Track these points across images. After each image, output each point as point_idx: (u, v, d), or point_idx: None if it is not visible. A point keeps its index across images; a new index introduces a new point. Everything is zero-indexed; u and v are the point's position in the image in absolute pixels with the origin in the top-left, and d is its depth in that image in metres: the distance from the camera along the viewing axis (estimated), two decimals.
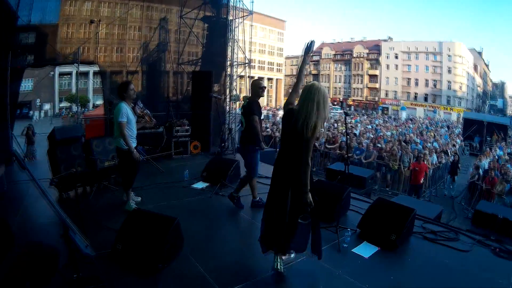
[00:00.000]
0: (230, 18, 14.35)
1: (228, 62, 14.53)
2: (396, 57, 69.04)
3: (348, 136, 20.09)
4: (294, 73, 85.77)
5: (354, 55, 75.55)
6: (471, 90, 69.00)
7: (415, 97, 67.79)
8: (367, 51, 73.69)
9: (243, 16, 15.19)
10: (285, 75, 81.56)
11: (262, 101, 72.32)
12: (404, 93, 68.90)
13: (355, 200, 7.15)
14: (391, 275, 4.50)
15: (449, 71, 63.67)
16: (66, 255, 3.60)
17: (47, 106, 48.47)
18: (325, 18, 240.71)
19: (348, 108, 69.40)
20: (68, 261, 3.56)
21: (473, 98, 70.87)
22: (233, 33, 14.44)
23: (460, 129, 33.38)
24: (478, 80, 74.85)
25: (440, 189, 15.57)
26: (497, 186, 11.38)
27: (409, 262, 4.94)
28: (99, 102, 45.88)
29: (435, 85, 65.52)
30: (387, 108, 69.54)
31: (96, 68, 14.23)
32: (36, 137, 14.02)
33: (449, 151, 18.75)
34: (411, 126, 35.98)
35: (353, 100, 75.27)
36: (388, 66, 70.41)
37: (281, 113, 50.22)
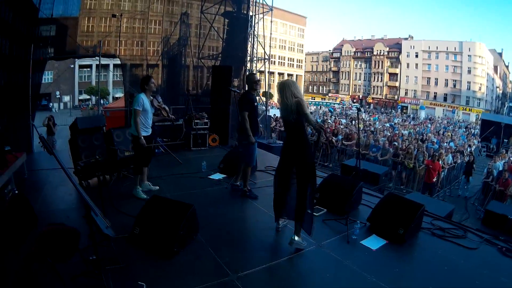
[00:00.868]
0: (251, 14, 14.49)
1: (248, 57, 14.69)
2: (417, 56, 68.18)
3: (362, 131, 20.22)
4: (314, 69, 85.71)
5: (374, 53, 74.84)
6: (491, 91, 67.84)
7: (435, 97, 66.96)
8: (387, 49, 72.92)
9: (263, 12, 15.32)
10: (305, 71, 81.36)
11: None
12: (424, 93, 68.09)
13: (368, 196, 7.31)
14: (397, 267, 4.64)
15: (469, 72, 62.69)
16: (86, 238, 3.82)
17: (66, 98, 49.12)
18: (346, 16, 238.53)
19: (367, 106, 68.87)
20: (88, 242, 3.78)
21: (492, 99, 69.66)
22: (253, 28, 14.58)
23: (477, 130, 33.01)
24: (498, 81, 73.51)
25: (455, 189, 15.55)
26: (511, 187, 11.37)
27: (415, 256, 5.07)
28: (119, 94, 46.31)
29: (454, 85, 64.62)
30: (406, 107, 68.84)
31: (117, 61, 14.47)
32: (57, 128, 14.30)
33: (464, 152, 18.68)
34: (429, 125, 35.76)
35: (373, 98, 74.63)
36: (408, 65, 69.59)
37: None
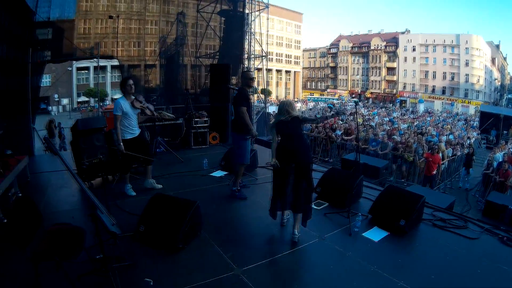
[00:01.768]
0: (247, 11, 14.53)
1: (245, 55, 14.73)
2: (414, 50, 68.17)
3: (361, 126, 20.29)
4: (312, 65, 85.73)
5: (371, 48, 74.81)
6: (489, 84, 67.86)
7: (433, 90, 66.97)
8: (384, 43, 72.93)
9: (260, 10, 15.35)
10: (303, 68, 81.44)
11: (280, 93, 72.40)
12: (422, 86, 68.11)
13: (368, 189, 7.35)
14: (399, 258, 4.71)
15: (467, 64, 62.70)
16: (91, 237, 3.85)
17: (65, 101, 49.06)
18: (343, 11, 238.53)
19: (366, 101, 68.86)
20: (94, 241, 3.82)
21: (491, 91, 69.69)
22: (250, 26, 14.62)
23: (477, 123, 33.06)
24: (496, 74, 73.53)
25: (455, 181, 15.62)
26: (511, 178, 11.42)
27: (417, 247, 5.13)
28: (117, 96, 46.35)
29: (452, 78, 64.65)
30: (405, 101, 68.83)
31: (115, 63, 14.50)
32: (57, 130, 14.32)
33: (464, 144, 18.74)
34: (428, 119, 35.84)
35: (371, 93, 74.64)
36: (405, 59, 69.58)
37: (299, 105, 50.46)
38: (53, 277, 3.60)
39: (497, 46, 73.95)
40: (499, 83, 75.91)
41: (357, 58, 78.29)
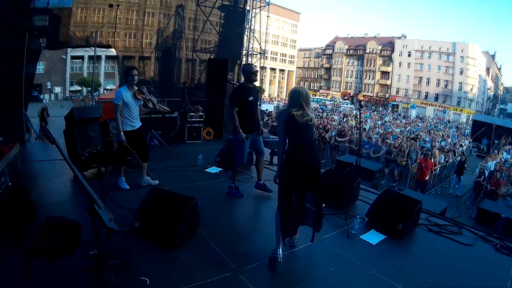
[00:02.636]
0: (248, 8, 14.49)
1: (244, 52, 14.69)
2: (409, 55, 68.61)
3: (354, 128, 20.33)
4: (306, 65, 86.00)
5: (367, 51, 75.23)
6: (482, 93, 68.57)
7: (426, 96, 67.49)
8: (380, 47, 73.32)
9: (260, 7, 15.31)
10: (297, 67, 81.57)
11: (273, 92, 72.38)
12: (415, 92, 68.60)
13: (364, 191, 7.35)
14: (397, 261, 4.71)
15: (461, 72, 63.25)
16: (85, 231, 3.74)
17: (57, 89, 48.77)
18: (340, 13, 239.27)
19: (358, 103, 69.20)
20: (88, 236, 3.67)
21: (484, 100, 70.45)
22: (250, 23, 14.59)
23: (468, 131, 33.36)
24: (490, 83, 74.31)
25: (446, 188, 15.74)
26: (502, 187, 11.51)
27: (414, 251, 5.14)
28: (110, 86, 46.12)
29: (446, 85, 65.19)
30: (397, 106, 69.33)
31: (110, 53, 14.38)
32: (49, 119, 14.15)
33: (456, 151, 18.89)
34: (419, 124, 36.06)
35: (364, 96, 75.03)
36: (400, 64, 70.02)
37: None
38: (47, 274, 3.53)
39: (493, 56, 74.66)
40: (492, 93, 76.76)
41: (351, 60, 78.71)
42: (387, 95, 71.99)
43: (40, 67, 35.52)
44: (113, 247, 4.11)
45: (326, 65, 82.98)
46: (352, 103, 67.64)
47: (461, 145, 22.48)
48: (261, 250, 4.59)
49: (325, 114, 33.72)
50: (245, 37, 14.61)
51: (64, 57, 43.84)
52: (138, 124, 6.53)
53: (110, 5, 12.28)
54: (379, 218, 5.64)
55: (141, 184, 6.70)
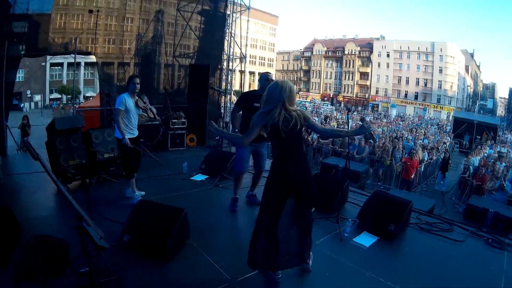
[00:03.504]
0: (228, 12, 14.42)
1: (224, 56, 14.61)
2: (388, 56, 69.42)
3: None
4: (285, 68, 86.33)
5: (345, 52, 75.90)
6: (462, 90, 69.70)
7: (406, 95, 68.30)
8: (358, 48, 74.06)
9: (241, 11, 15.25)
10: (276, 70, 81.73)
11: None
12: (395, 91, 69.39)
13: (352, 193, 7.30)
14: (392, 263, 4.71)
15: (440, 71, 64.24)
16: (73, 248, 3.61)
17: (37, 98, 47.97)
18: (318, 15, 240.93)
19: (338, 104, 69.55)
20: (77, 253, 3.54)
21: (463, 98, 71.63)
22: (230, 27, 14.53)
23: (450, 128, 33.74)
24: (469, 81, 75.62)
25: (431, 185, 15.86)
26: (488, 182, 11.61)
27: (407, 251, 5.13)
28: (90, 93, 45.62)
29: (426, 84, 66.13)
30: (377, 106, 70.00)
31: (89, 59, 14.19)
32: (31, 129, 13.89)
33: (440, 148, 19.06)
34: (401, 123, 36.34)
35: (343, 97, 75.55)
36: (379, 64, 70.78)
37: None
38: None
39: (471, 54, 76.02)
40: (472, 90, 78.16)
41: (330, 62, 79.34)
42: (366, 95, 72.69)
43: (20, 75, 34.92)
44: (103, 263, 3.98)
45: (305, 68, 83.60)
46: (332, 104, 68.06)
47: (444, 143, 22.68)
48: None
49: None
50: (226, 42, 14.52)
51: (44, 64, 43.28)
52: (136, 133, 6.38)
53: (90, 11, 12.07)
54: (370, 220, 5.62)
55: (127, 195, 6.51)
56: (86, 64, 40.72)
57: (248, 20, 16.53)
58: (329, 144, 16.14)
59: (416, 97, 67.07)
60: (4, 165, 7.79)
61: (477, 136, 26.53)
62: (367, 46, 72.88)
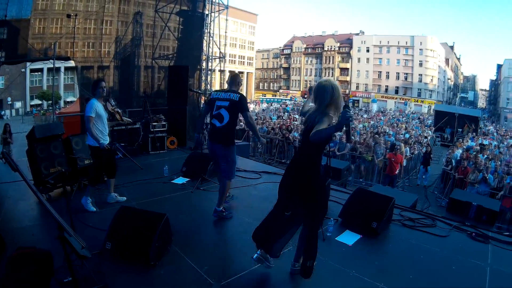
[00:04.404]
0: (206, 12, 14.34)
1: (204, 57, 14.53)
2: (368, 51, 69.93)
3: None
4: (265, 66, 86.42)
5: (325, 49, 76.22)
6: (442, 83, 70.57)
7: (386, 90, 68.87)
8: (338, 44, 74.46)
9: (219, 10, 15.19)
10: (256, 69, 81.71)
11: None
12: (375, 86, 69.93)
13: (333, 191, 7.26)
14: (376, 260, 4.67)
15: (421, 65, 64.95)
16: (59, 256, 3.50)
17: (18, 104, 47.19)
18: (297, 12, 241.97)
19: None
20: (60, 263, 3.54)
21: (444, 90, 72.54)
22: (209, 27, 14.45)
23: (431, 121, 34.01)
24: (450, 73, 76.56)
25: (413, 179, 15.95)
26: (470, 175, 11.70)
27: (391, 248, 5.12)
28: (70, 98, 45.06)
29: (406, 78, 66.77)
30: (358, 101, 70.49)
31: (69, 64, 13.98)
32: (13, 137, 13.65)
33: (422, 142, 19.18)
34: (382, 118, 36.56)
35: None
36: (359, 60, 71.27)
37: (252, 106, 50.12)
38: None
39: (452, 47, 76.90)
40: (452, 83, 79.16)
41: (310, 59, 79.63)
42: (347, 91, 72.97)
43: (0, 82, 34.32)
44: (87, 272, 3.93)
45: (285, 65, 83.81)
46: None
47: (425, 137, 22.84)
48: (239, 261, 4.47)
49: (286, 114, 33.68)
50: (205, 42, 14.44)
51: (24, 70, 42.61)
52: (108, 139, 6.19)
53: (68, 15, 11.88)
54: (352, 218, 5.60)
55: (108, 201, 6.40)
56: (66, 68, 40.17)
57: (226, 19, 16.51)
58: None
59: (396, 92, 67.67)
60: None
61: (459, 129, 26.78)
62: (347, 42, 73.32)
